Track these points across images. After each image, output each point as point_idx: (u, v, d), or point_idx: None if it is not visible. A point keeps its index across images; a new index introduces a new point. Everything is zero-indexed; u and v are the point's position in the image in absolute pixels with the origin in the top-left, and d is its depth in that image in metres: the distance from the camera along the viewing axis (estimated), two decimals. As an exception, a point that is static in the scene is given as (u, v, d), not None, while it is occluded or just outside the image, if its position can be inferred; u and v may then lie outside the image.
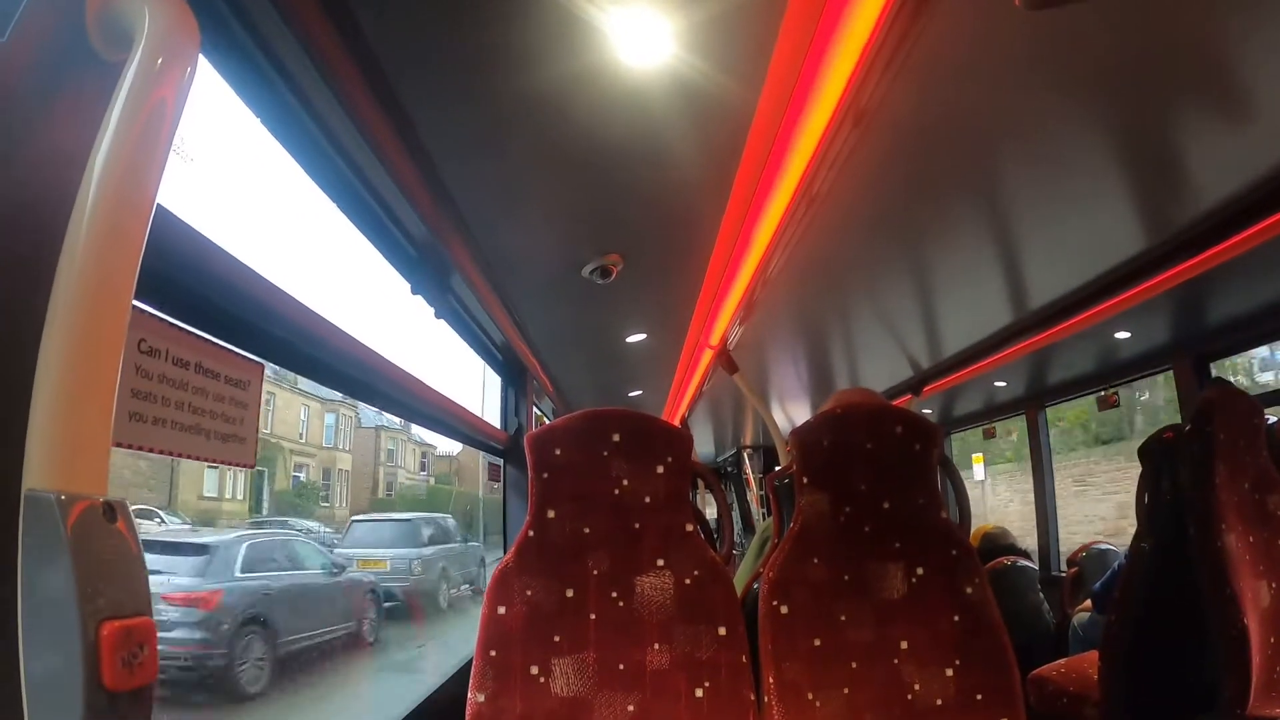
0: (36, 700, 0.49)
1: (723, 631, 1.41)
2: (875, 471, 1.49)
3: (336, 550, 8.64)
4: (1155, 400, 10.30)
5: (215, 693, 5.44)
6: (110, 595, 0.51)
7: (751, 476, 7.68)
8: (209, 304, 0.93)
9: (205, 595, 5.58)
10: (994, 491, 12.63)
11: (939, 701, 1.38)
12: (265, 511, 13.02)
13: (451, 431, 2.29)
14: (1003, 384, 3.95)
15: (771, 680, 1.38)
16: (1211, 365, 2.91)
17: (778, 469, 2.50)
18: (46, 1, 0.58)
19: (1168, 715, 1.84)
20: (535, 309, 2.58)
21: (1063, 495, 4.68)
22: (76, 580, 0.49)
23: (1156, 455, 1.90)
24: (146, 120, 0.57)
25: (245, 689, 5.63)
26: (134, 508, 0.55)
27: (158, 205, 0.60)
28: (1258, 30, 1.18)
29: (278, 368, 0.94)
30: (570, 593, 1.41)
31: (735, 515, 7.82)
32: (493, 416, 3.02)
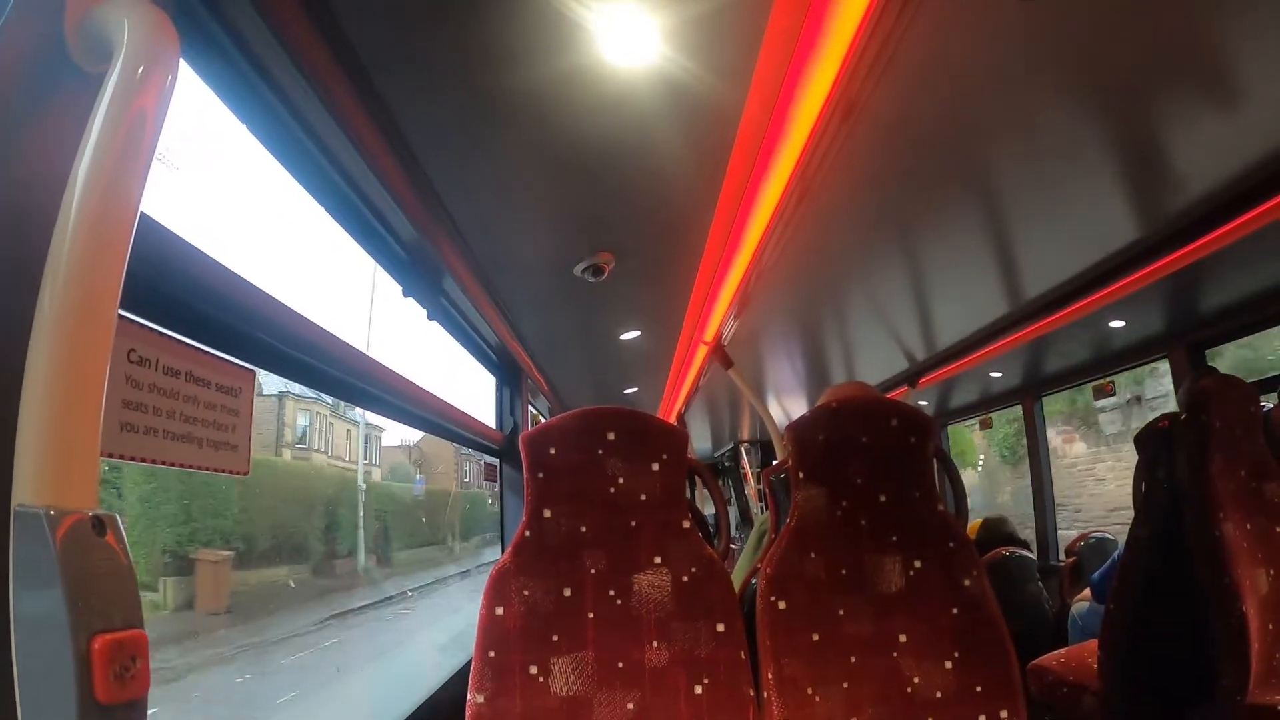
0: (30, 715, 0.49)
1: (721, 628, 1.41)
2: (871, 465, 1.49)
3: None
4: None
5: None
6: (101, 608, 0.51)
7: (749, 471, 7.68)
8: (198, 312, 0.93)
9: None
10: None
11: (938, 694, 1.38)
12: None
13: (447, 432, 2.29)
14: (998, 375, 3.96)
15: (770, 676, 1.38)
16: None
17: (774, 464, 2.50)
18: (24, 14, 0.58)
19: (1167, 704, 1.84)
20: (528, 309, 2.57)
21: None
22: (67, 594, 0.49)
23: (1152, 444, 1.90)
24: (128, 130, 0.56)
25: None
26: None
27: (142, 214, 0.59)
28: (1246, 19, 1.18)
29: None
30: (568, 592, 1.41)
31: (733, 510, 7.84)
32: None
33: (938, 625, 1.42)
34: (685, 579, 1.43)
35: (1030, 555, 3.31)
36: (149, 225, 0.78)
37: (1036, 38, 1.21)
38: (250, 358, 0.99)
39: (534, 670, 1.36)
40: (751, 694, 1.39)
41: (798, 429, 1.51)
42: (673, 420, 4.84)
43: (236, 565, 7.78)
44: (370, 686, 6.91)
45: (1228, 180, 1.75)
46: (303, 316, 1.17)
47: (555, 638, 1.38)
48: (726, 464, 8.81)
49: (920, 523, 1.48)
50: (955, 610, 1.43)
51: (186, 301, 0.90)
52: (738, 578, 2.12)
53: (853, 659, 1.40)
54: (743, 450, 7.89)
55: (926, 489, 1.50)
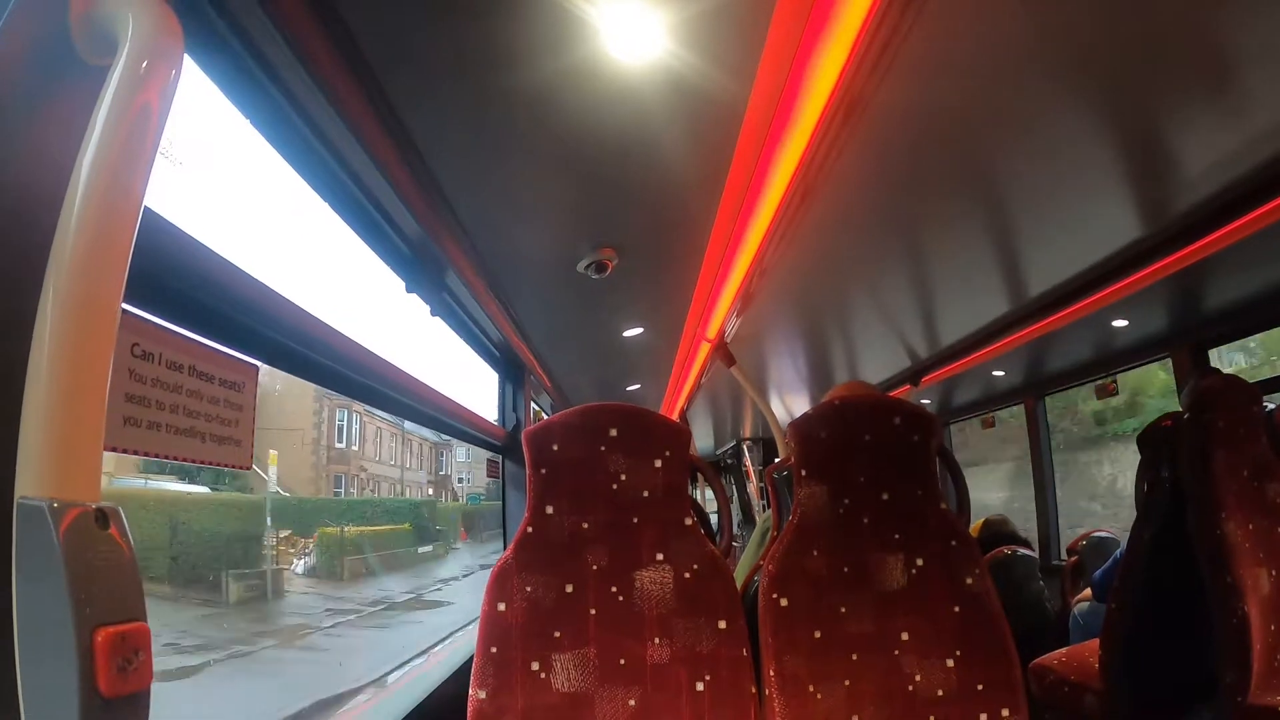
0: (33, 707, 0.49)
1: (723, 625, 1.41)
2: (874, 463, 1.49)
3: None
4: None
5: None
6: (104, 602, 0.51)
7: (751, 469, 7.68)
8: (202, 306, 0.93)
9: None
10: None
11: (940, 692, 1.38)
12: None
13: (449, 429, 2.29)
14: (1001, 373, 3.96)
15: (772, 673, 1.38)
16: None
17: (777, 461, 2.50)
18: (30, 7, 0.58)
19: (1168, 703, 1.84)
20: (531, 305, 2.57)
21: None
22: (70, 588, 0.49)
23: (1155, 443, 1.90)
24: (132, 124, 0.56)
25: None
26: None
27: (146, 208, 0.60)
28: (1252, 19, 1.18)
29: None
30: (570, 588, 1.41)
31: (735, 508, 7.84)
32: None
33: (939, 623, 1.42)
34: (687, 576, 1.43)
35: (1032, 554, 3.30)
36: (153, 219, 0.78)
37: (1040, 36, 1.20)
38: (254, 352, 0.98)
39: (536, 666, 1.37)
40: (753, 691, 1.39)
41: (800, 426, 1.51)
42: (675, 417, 4.83)
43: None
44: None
45: (1232, 180, 1.74)
46: (305, 311, 1.18)
47: (557, 634, 1.38)
48: (729, 461, 8.81)
49: (923, 521, 1.48)
50: (957, 608, 1.42)
51: (190, 296, 0.90)
52: (740, 575, 2.12)
53: (854, 656, 1.40)
54: (745, 448, 7.89)
55: (929, 487, 1.50)
